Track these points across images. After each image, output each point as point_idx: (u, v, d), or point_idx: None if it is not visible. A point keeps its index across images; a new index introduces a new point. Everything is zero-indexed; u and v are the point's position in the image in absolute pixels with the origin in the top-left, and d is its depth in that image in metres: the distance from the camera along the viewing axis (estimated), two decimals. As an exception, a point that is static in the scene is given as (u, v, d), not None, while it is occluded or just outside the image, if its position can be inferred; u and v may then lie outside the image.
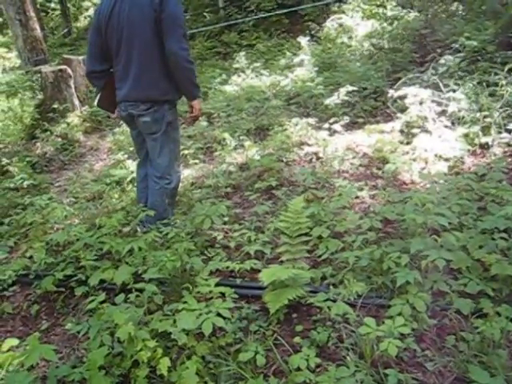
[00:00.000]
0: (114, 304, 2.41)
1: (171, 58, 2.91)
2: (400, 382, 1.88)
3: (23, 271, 3.12)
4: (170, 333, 2.08)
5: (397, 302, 2.24)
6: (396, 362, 2.02)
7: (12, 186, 4.64)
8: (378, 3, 7.46)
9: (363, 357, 2.02)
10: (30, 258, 3.11)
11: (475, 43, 5.06)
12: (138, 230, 3.26)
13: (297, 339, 2.22)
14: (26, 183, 4.64)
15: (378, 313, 2.33)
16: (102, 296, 2.48)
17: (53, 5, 15.69)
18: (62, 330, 2.69)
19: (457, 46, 5.25)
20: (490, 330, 2.00)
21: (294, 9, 9.11)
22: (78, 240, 3.10)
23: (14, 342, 2.25)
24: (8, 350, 2.18)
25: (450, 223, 2.54)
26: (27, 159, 5.33)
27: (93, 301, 2.44)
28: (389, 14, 7.11)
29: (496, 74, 4.49)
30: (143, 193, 3.42)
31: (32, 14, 7.68)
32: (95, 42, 3.12)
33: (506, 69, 4.37)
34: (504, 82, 4.24)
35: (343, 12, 7.65)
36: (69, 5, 15.25)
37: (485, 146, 3.88)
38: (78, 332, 2.35)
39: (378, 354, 2.00)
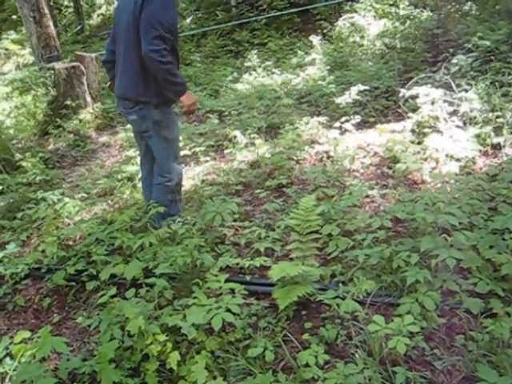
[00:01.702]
0: (125, 298, 2.44)
1: (145, 60, 2.92)
2: (408, 380, 1.88)
3: (35, 265, 3.17)
4: (180, 327, 2.10)
5: (406, 300, 2.24)
6: (404, 360, 2.03)
7: (25, 181, 4.70)
8: (391, 2, 7.43)
9: (372, 354, 2.03)
10: (43, 252, 3.14)
11: (488, 43, 5.02)
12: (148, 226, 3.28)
13: (306, 336, 2.23)
14: (38, 178, 4.70)
15: (387, 311, 2.33)
16: (113, 290, 2.51)
17: (66, 2, 15.79)
18: (73, 323, 2.72)
19: (469, 45, 5.22)
20: (499, 329, 2.00)
21: (306, 8, 9.10)
22: (89, 235, 3.14)
23: (26, 334, 2.29)
24: (20, 342, 2.22)
25: (460, 223, 2.53)
26: (40, 155, 5.39)
27: (104, 295, 2.47)
28: (401, 13, 7.08)
29: (509, 74, 4.45)
30: (147, 191, 3.47)
31: (46, 11, 7.75)
32: (111, 34, 3.27)
33: (520, 69, 4.35)
34: (517, 83, 4.22)
35: (355, 11, 7.63)
36: (82, 2, 15.34)
37: (497, 147, 3.86)
38: (89, 325, 2.39)
39: (387, 352, 2.01)
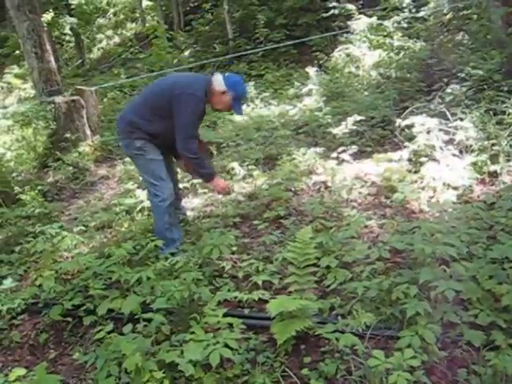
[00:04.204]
0: (122, 334, 2.41)
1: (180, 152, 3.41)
2: (410, 416, 1.84)
3: (32, 300, 3.14)
4: (178, 364, 2.07)
5: (406, 333, 2.21)
6: (406, 395, 1.98)
7: (23, 214, 4.70)
8: (385, 34, 7.57)
9: (372, 390, 1.99)
10: (40, 286, 3.12)
11: (481, 72, 5.10)
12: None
13: (305, 371, 2.19)
14: (37, 211, 4.69)
15: (387, 344, 2.30)
16: (110, 326, 2.49)
17: (68, 37, 16.13)
18: (70, 359, 2.69)
19: (463, 75, 5.29)
20: (502, 363, 1.97)
21: (302, 40, 9.27)
22: (87, 269, 3.13)
23: (22, 371, 2.25)
24: (15, 380, 2.18)
25: (459, 253, 2.52)
26: (39, 187, 5.40)
27: (101, 330, 2.45)
28: (395, 43, 7.21)
29: (503, 102, 4.50)
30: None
31: (48, 47, 7.91)
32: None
33: (513, 97, 4.40)
34: (511, 111, 4.26)
35: (350, 42, 7.76)
36: (83, 37, 15.68)
37: (493, 175, 3.87)
38: (86, 362, 2.36)
39: (388, 388, 1.97)
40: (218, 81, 3.36)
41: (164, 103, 3.32)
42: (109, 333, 2.42)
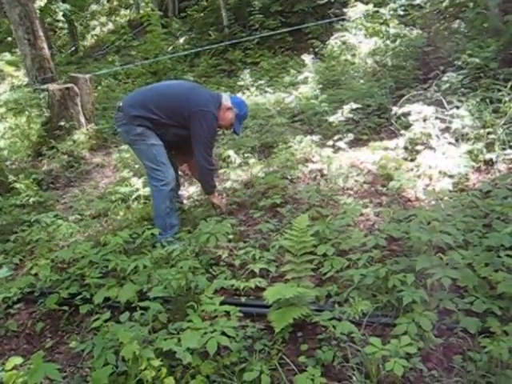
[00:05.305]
0: (119, 322, 2.41)
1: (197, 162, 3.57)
2: (407, 402, 1.86)
3: (28, 289, 3.13)
4: (175, 352, 2.07)
5: (402, 320, 2.23)
6: (402, 382, 2.00)
7: (18, 203, 4.67)
8: (381, 21, 7.51)
9: (369, 376, 2.01)
10: (35, 275, 3.10)
11: (477, 60, 5.08)
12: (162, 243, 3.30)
13: (302, 358, 2.20)
14: (31, 200, 4.67)
15: (384, 331, 2.31)
16: (107, 314, 2.48)
17: (61, 24, 15.94)
18: (67, 348, 2.69)
19: (459, 63, 5.28)
20: (497, 349, 1.98)
21: (297, 27, 9.20)
22: (83, 257, 3.11)
23: (18, 360, 2.24)
24: (12, 369, 2.17)
25: (455, 241, 2.53)
26: (33, 176, 5.36)
27: (97, 319, 2.44)
28: (391, 31, 7.16)
29: (499, 90, 4.49)
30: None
31: (40, 33, 7.80)
32: None
33: (509, 85, 4.38)
34: (507, 99, 4.25)
35: (346, 30, 7.70)
36: (76, 24, 15.50)
37: (489, 163, 3.88)
38: (83, 350, 2.35)
39: (384, 374, 1.99)
40: (226, 98, 3.61)
41: (177, 109, 3.45)
42: (105, 321, 2.41)
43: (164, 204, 3.43)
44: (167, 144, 3.51)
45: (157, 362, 2.06)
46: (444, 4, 7.18)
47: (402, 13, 7.62)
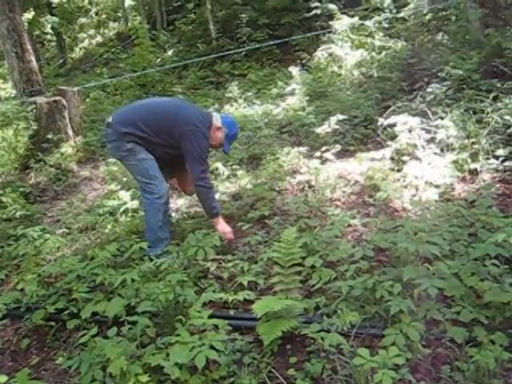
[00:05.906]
0: (107, 337, 2.39)
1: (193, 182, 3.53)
2: (395, 414, 1.86)
3: (14, 304, 3.08)
4: (163, 367, 2.06)
5: (390, 331, 2.24)
6: (391, 393, 2.00)
7: (4, 216, 4.62)
8: (366, 33, 7.63)
9: (358, 388, 2.01)
10: (22, 290, 3.07)
11: (461, 72, 5.17)
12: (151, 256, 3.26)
13: (291, 371, 2.20)
14: (18, 214, 4.61)
15: (372, 343, 2.32)
16: (94, 329, 2.46)
17: (49, 36, 15.92)
18: (53, 364, 2.65)
19: (443, 74, 5.36)
20: (484, 358, 2.00)
21: (285, 39, 9.29)
22: (70, 272, 3.08)
23: (3, 378, 2.22)
24: (-3, 387, 2.15)
25: (441, 251, 2.55)
26: (20, 189, 5.31)
27: (85, 334, 2.41)
28: (377, 43, 7.26)
29: (482, 101, 4.58)
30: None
31: (28, 46, 7.77)
32: None
33: (491, 96, 4.47)
34: (490, 110, 4.33)
35: (333, 42, 7.79)
36: (64, 36, 15.50)
37: (474, 172, 3.93)
38: (70, 367, 2.32)
39: (373, 386, 1.99)
40: (216, 117, 3.61)
41: (165, 128, 3.43)
42: (93, 336, 2.39)
43: (156, 217, 3.42)
44: (157, 159, 3.50)
45: (145, 378, 2.04)
46: (427, 17, 7.32)
47: (386, 25, 7.77)
